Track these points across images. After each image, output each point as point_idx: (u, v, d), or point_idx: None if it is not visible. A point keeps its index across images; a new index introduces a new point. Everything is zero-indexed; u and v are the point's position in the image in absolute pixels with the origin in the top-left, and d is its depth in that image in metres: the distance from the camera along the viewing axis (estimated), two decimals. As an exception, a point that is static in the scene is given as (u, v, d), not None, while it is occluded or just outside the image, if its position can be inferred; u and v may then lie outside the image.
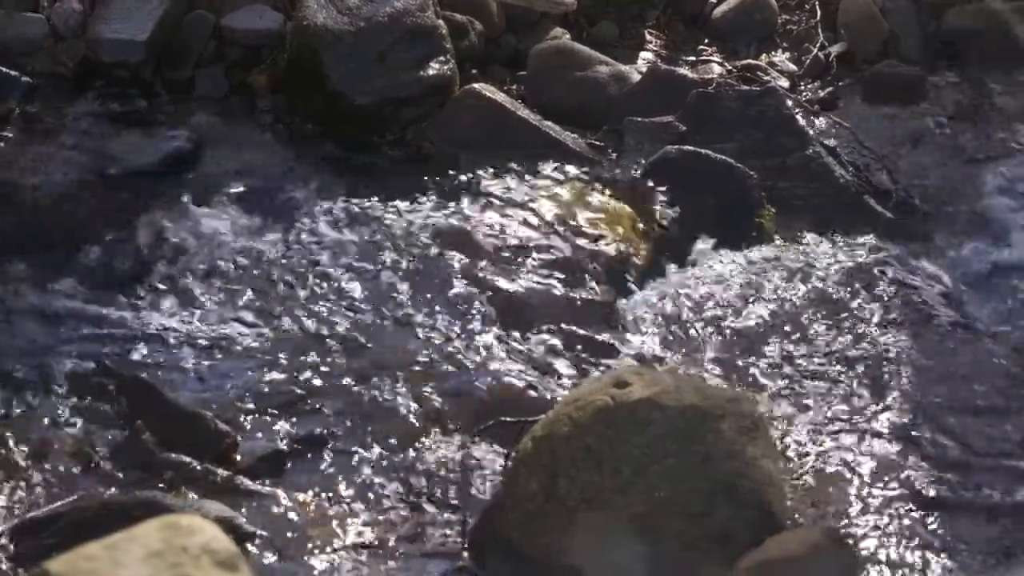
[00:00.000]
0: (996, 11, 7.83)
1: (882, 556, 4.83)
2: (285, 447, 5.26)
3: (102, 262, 6.18)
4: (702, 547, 4.52)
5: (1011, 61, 7.73)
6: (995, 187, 6.86)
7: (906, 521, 4.96)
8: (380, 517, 4.97)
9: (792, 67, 7.79)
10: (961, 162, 7.08)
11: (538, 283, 6.08)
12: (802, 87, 7.67)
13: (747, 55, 7.85)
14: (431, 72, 7.11)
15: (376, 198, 6.57)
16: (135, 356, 5.65)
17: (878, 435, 5.35)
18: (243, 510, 4.91)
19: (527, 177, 6.69)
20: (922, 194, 6.83)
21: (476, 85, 7.17)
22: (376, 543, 4.87)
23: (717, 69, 7.66)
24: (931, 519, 4.98)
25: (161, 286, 6.04)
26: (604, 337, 5.83)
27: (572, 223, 6.39)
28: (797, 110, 7.16)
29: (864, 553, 4.81)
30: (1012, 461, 5.26)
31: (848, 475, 5.16)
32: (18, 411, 5.37)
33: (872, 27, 7.89)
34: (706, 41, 7.96)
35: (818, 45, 7.85)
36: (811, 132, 7.02)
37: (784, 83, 7.55)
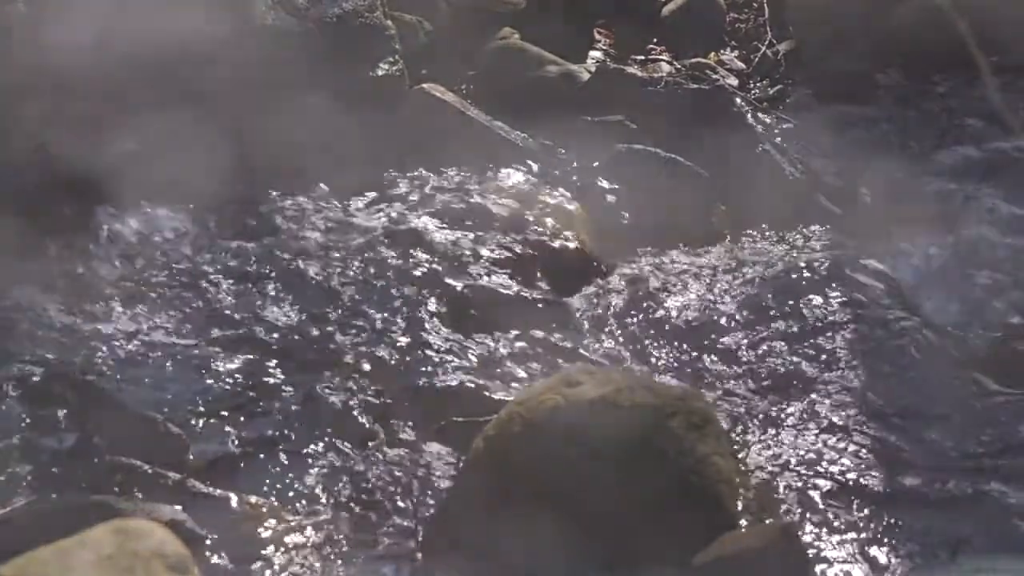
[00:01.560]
0: (941, 9, 7.86)
1: (834, 551, 4.85)
2: (236, 450, 5.23)
3: (49, 267, 6.13)
4: (657, 544, 4.52)
5: (956, 58, 7.76)
6: (942, 182, 6.90)
7: (858, 516, 4.98)
8: (332, 519, 4.95)
9: (741, 65, 7.82)
10: (909, 157, 7.11)
11: (489, 283, 6.08)
12: (751, 85, 7.69)
13: (696, 54, 7.87)
14: (380, 72, 7.09)
15: (326, 198, 6.56)
16: (85, 360, 5.61)
17: (829, 431, 5.37)
18: (194, 513, 4.88)
19: (477, 177, 6.69)
20: (870, 190, 6.86)
21: (425, 85, 7.16)
22: (328, 545, 4.85)
23: (666, 68, 7.69)
24: (882, 513, 5.00)
25: (111, 290, 6.00)
26: (555, 336, 5.83)
27: (523, 222, 6.39)
28: (746, 108, 7.18)
29: (816, 548, 4.83)
30: (961, 457, 5.29)
31: (799, 471, 5.18)
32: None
33: (820, 25, 7.92)
34: (655, 40, 7.98)
35: (767, 43, 7.89)
36: (760, 130, 7.05)
37: (733, 81, 7.58)
